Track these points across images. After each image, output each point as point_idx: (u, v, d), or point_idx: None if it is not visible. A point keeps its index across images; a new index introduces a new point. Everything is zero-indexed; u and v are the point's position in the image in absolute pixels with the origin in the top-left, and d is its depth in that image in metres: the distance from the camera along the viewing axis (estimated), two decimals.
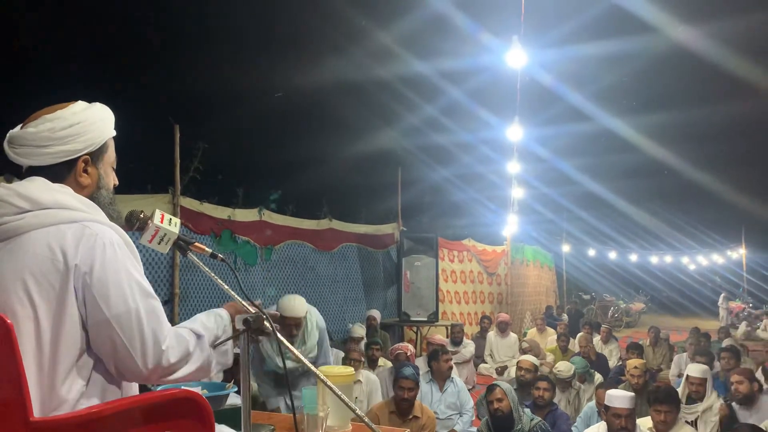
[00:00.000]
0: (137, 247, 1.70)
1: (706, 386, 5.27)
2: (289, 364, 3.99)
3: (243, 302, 1.67)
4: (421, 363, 6.73)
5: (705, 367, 5.65)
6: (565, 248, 20.47)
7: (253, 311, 1.62)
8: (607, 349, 9.73)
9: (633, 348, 7.76)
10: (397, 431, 2.22)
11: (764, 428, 4.45)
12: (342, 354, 6.38)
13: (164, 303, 5.56)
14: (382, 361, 6.88)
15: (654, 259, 28.72)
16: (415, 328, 9.93)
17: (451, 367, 5.92)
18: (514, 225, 13.47)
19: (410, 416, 4.74)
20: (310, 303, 8.40)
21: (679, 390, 5.20)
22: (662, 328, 11.35)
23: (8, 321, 1.40)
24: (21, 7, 8.65)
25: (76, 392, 1.51)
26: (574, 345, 9.10)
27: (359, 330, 7.98)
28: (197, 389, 2.29)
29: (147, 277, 1.65)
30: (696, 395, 5.27)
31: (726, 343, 8.92)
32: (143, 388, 1.83)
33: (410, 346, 6.88)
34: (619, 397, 4.10)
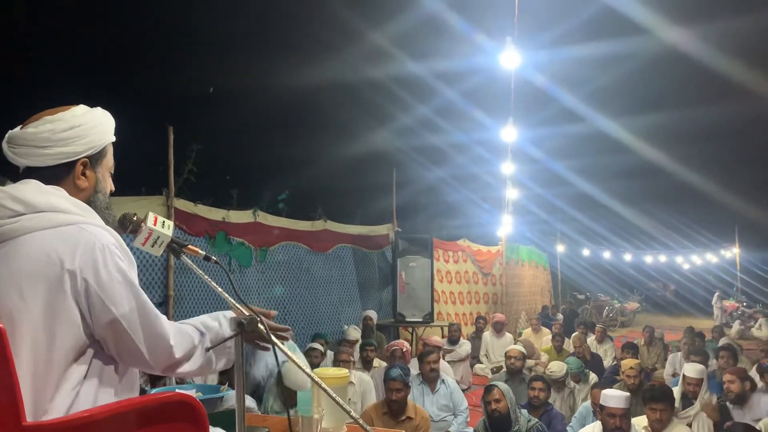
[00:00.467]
0: (131, 250, 1.70)
1: (702, 386, 5.32)
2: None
3: (236, 305, 1.67)
4: (415, 363, 6.74)
5: (701, 367, 5.72)
6: (560, 248, 20.52)
7: (247, 314, 1.61)
8: (602, 349, 9.75)
9: (628, 347, 7.78)
10: None
11: (758, 427, 4.48)
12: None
13: (158, 305, 5.53)
14: (377, 362, 6.89)
15: (648, 259, 28.83)
16: (410, 329, 9.93)
17: (433, 369, 5.88)
18: (509, 225, 13.49)
19: (403, 417, 4.74)
20: (305, 304, 8.47)
21: (676, 390, 5.22)
22: (657, 328, 11.40)
23: (0, 325, 1.40)
24: (17, 9, 8.62)
25: (70, 396, 1.51)
26: (569, 345, 9.12)
27: (354, 333, 7.98)
28: (192, 392, 2.29)
29: (141, 280, 1.66)
30: (692, 395, 5.31)
31: (723, 342, 8.96)
32: (141, 392, 1.82)
33: (406, 343, 6.88)
34: (614, 396, 4.11)
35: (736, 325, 16.76)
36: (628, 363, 5.94)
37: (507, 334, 10.05)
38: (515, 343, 9.47)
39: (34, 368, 1.47)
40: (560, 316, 14.65)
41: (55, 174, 1.66)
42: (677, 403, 4.93)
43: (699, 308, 24.19)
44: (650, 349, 9.76)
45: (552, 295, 19.23)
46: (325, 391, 1.58)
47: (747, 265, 23.99)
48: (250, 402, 4.09)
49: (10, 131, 1.69)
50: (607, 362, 9.05)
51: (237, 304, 1.67)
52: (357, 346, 7.47)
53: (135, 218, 1.75)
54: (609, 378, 7.00)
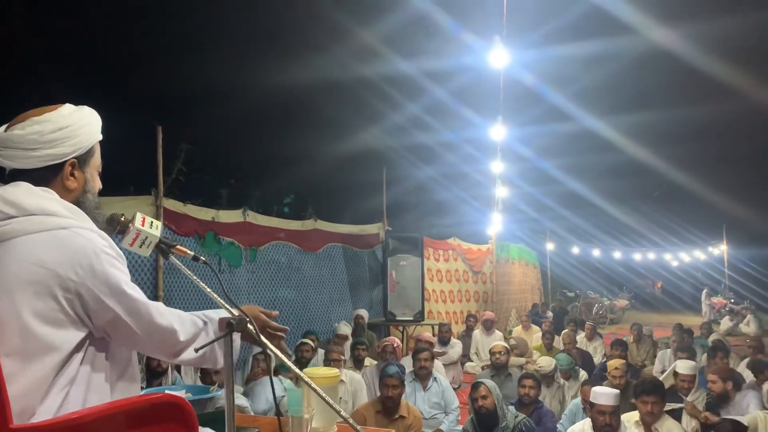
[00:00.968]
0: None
1: (694, 382, 5.38)
2: None
3: (225, 305, 1.67)
4: (407, 361, 6.75)
5: (693, 363, 5.81)
6: (550, 246, 20.61)
7: (236, 313, 1.61)
8: (592, 346, 9.81)
9: (617, 344, 7.81)
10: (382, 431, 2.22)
11: (745, 423, 4.53)
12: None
13: None
14: (368, 360, 6.89)
15: (637, 256, 29.00)
16: (401, 328, 9.94)
17: (424, 367, 5.89)
18: (499, 224, 13.53)
19: (396, 416, 4.75)
20: (295, 304, 8.45)
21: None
22: (646, 325, 11.47)
23: None
24: (4, 8, 8.56)
25: (59, 398, 1.50)
26: (559, 342, 9.16)
27: (345, 328, 7.98)
28: (181, 393, 2.28)
29: (131, 280, 1.64)
30: (685, 391, 5.36)
31: (713, 338, 9.03)
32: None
33: (397, 339, 6.89)
34: (603, 394, 4.13)
35: (726, 321, 16.89)
36: (613, 363, 5.97)
37: (497, 331, 10.07)
38: (506, 341, 9.54)
39: (22, 371, 1.47)
40: (550, 314, 14.72)
41: (44, 176, 1.64)
42: None
43: (688, 305, 24.37)
44: (639, 346, 9.83)
45: (542, 293, 19.31)
46: (315, 391, 1.58)
47: (734, 262, 24.18)
48: (241, 401, 4.08)
49: None
50: (597, 359, 9.10)
51: (226, 305, 1.67)
52: (348, 345, 7.47)
53: (122, 219, 1.73)
54: (599, 375, 7.04)
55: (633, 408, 5.04)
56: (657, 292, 30.69)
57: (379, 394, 5.07)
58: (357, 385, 5.83)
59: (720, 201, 20.16)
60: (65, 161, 1.66)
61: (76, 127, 1.66)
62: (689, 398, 5.36)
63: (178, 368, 5.85)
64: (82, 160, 1.70)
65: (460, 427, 5.39)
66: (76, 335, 1.54)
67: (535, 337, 10.35)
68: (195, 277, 1.71)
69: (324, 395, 1.56)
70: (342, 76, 11.65)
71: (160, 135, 6.34)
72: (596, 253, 26.69)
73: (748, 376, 6.62)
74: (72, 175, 1.68)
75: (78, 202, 1.67)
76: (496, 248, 14.06)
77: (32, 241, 1.53)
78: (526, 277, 17.61)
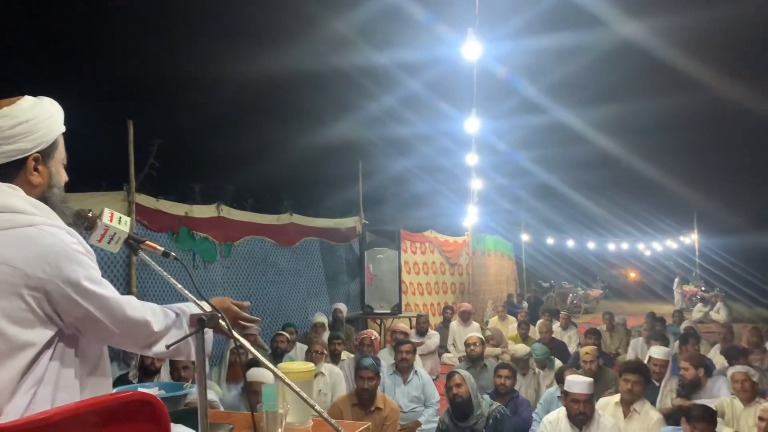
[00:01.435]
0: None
1: (667, 367, 5.49)
2: None
3: (196, 301, 1.65)
4: (385, 354, 6.77)
5: (667, 349, 6.00)
6: (525, 237, 20.80)
7: (208, 309, 1.60)
8: (567, 335, 9.93)
9: (590, 333, 7.93)
10: (358, 425, 2.22)
11: (714, 407, 4.63)
12: (306, 347, 6.36)
13: None
14: (345, 354, 6.89)
15: (611, 247, 29.40)
16: (378, 321, 9.96)
17: (406, 360, 5.91)
18: (475, 215, 13.61)
19: (372, 408, 4.76)
20: (272, 299, 8.41)
21: None
22: (620, 313, 11.64)
23: None
24: None
25: (26, 397, 1.48)
26: (535, 332, 9.26)
27: (321, 317, 7.96)
28: (154, 390, 2.26)
29: (103, 277, 1.62)
30: (658, 376, 5.48)
31: (684, 326, 9.20)
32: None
33: (374, 332, 6.90)
34: (577, 382, 4.19)
35: (698, 309, 17.21)
36: (585, 350, 6.12)
37: (474, 323, 10.14)
38: (482, 332, 9.62)
39: None
40: (525, 304, 14.87)
41: (6, 172, 1.59)
42: None
43: (660, 294, 24.79)
44: (612, 334, 9.99)
45: (517, 284, 19.49)
46: (288, 385, 1.57)
47: (705, 251, 24.64)
48: (212, 395, 4.05)
49: None
50: (572, 348, 9.20)
51: (197, 301, 1.65)
52: (325, 336, 7.47)
53: (90, 214, 1.70)
54: (573, 363, 7.14)
55: (609, 393, 5.17)
56: (631, 281, 31.16)
57: (355, 386, 5.08)
58: (336, 377, 5.84)
59: (691, 191, 20.60)
60: (28, 156, 1.62)
61: (37, 120, 1.62)
62: (663, 384, 5.49)
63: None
64: (45, 154, 1.66)
65: (437, 418, 5.42)
66: (45, 334, 1.52)
67: (511, 327, 10.44)
68: (165, 273, 1.69)
69: (297, 389, 1.55)
70: (316, 67, 11.60)
71: (131, 129, 6.26)
72: (570, 243, 27.00)
73: (719, 362, 6.77)
74: (36, 170, 1.64)
75: (44, 198, 1.64)
76: (472, 240, 14.14)
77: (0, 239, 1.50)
78: (501, 269, 17.75)
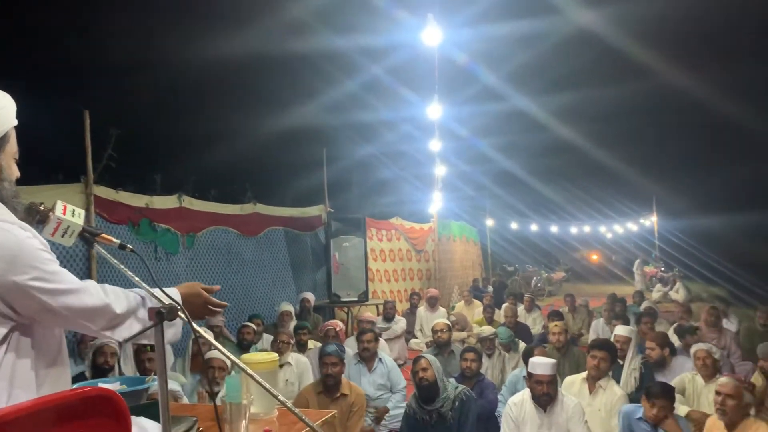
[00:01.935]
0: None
1: (629, 344, 5.64)
2: None
3: (154, 294, 1.62)
4: (351, 343, 6.78)
5: (631, 327, 6.15)
6: (489, 223, 21.02)
7: (167, 302, 1.57)
8: (531, 318, 10.11)
9: (553, 315, 8.10)
10: (324, 413, 2.23)
11: (674, 384, 4.78)
12: (272, 338, 6.33)
13: None
14: (311, 343, 6.88)
15: (573, 230, 29.92)
16: (346, 309, 9.97)
17: (368, 348, 5.95)
18: (439, 202, 13.69)
19: (338, 394, 4.79)
20: (237, 289, 8.34)
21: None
22: (582, 295, 11.88)
23: None
24: None
25: None
26: (500, 316, 9.39)
27: (287, 306, 7.91)
28: (116, 384, 2.23)
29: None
30: (621, 353, 5.64)
31: (644, 306, 9.43)
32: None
33: (339, 323, 6.91)
34: (540, 364, 4.27)
35: (659, 288, 17.65)
36: (554, 323, 6.31)
37: (440, 308, 10.23)
38: (448, 317, 9.71)
39: None
40: (490, 289, 15.06)
41: None
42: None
43: (621, 275, 25.35)
44: (575, 315, 10.20)
45: (483, 269, 19.70)
46: (250, 376, 1.56)
47: (664, 233, 25.27)
48: (174, 386, 4.00)
49: None
50: (536, 330, 9.38)
51: (154, 294, 1.63)
52: (292, 326, 7.45)
53: (42, 208, 1.66)
54: (540, 341, 7.28)
55: (575, 372, 5.30)
56: (593, 263, 31.80)
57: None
58: (303, 367, 5.84)
59: (649, 174, 21.12)
60: None
61: None
62: (626, 362, 5.64)
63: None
64: None
65: (404, 404, 5.47)
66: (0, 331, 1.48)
67: (476, 311, 10.56)
68: (122, 267, 1.66)
69: (259, 380, 1.55)
70: (276, 52, 11.43)
71: (87, 120, 6.13)
72: (534, 228, 27.41)
73: (674, 341, 6.97)
74: None
75: None
76: (437, 226, 14.23)
77: None
78: (467, 254, 17.91)
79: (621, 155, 19.72)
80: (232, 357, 1.64)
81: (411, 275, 13.06)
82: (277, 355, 2.46)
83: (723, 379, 3.96)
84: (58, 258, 1.61)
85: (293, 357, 5.88)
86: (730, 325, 8.32)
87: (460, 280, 16.19)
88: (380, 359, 6.02)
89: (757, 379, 5.09)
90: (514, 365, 6.54)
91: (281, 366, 5.68)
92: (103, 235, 1.75)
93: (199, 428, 1.94)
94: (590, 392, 4.86)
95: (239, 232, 8.40)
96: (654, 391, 4.16)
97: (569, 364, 5.90)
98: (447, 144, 13.15)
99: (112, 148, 6.50)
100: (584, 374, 5.00)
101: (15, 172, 1.69)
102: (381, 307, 9.56)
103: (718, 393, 3.88)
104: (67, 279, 1.59)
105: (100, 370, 4.53)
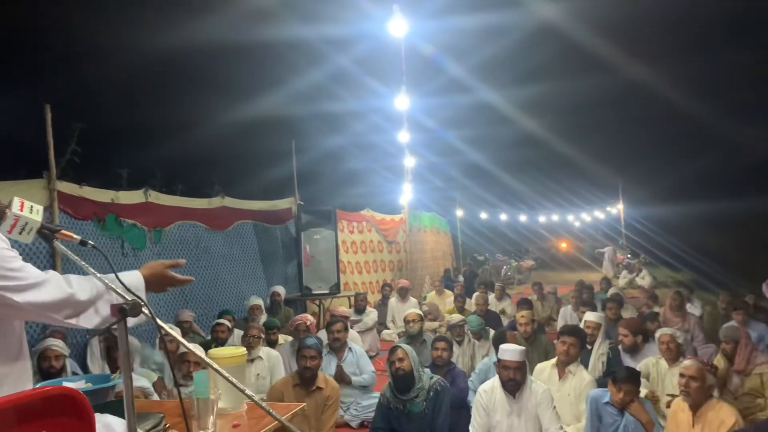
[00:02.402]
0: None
1: (599, 329, 5.77)
2: None
3: (118, 291, 1.60)
4: (322, 335, 6.78)
5: (600, 314, 6.32)
6: (459, 213, 21.15)
7: (130, 298, 1.55)
8: (501, 306, 10.22)
9: (522, 303, 8.17)
10: (292, 406, 2.23)
11: (639, 368, 4.89)
12: (242, 333, 6.30)
13: None
14: (282, 338, 6.87)
15: (542, 219, 30.31)
16: (317, 302, 9.95)
17: (338, 339, 5.99)
18: (410, 193, 13.73)
19: (314, 387, 4.79)
20: (206, 285, 8.25)
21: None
22: (551, 283, 12.05)
23: None
24: None
25: None
26: (471, 304, 9.47)
27: (257, 300, 7.86)
28: (81, 383, 2.19)
29: None
30: (591, 338, 5.74)
31: (611, 292, 9.61)
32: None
33: (310, 317, 6.90)
34: (508, 350, 4.32)
35: (625, 274, 17.97)
36: (520, 314, 6.38)
37: (412, 298, 10.29)
38: (420, 307, 9.77)
39: None
40: (461, 278, 15.17)
41: None
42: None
43: (589, 263, 25.76)
44: (543, 303, 10.35)
45: (454, 259, 19.84)
46: (217, 371, 1.55)
47: (630, 221, 25.72)
48: (144, 382, 3.96)
49: None
50: (507, 318, 9.49)
51: (118, 290, 1.60)
52: (262, 319, 7.41)
53: None
54: (510, 327, 7.37)
55: (544, 360, 5.38)
56: (561, 251, 32.26)
57: (295, 368, 5.09)
58: (274, 360, 5.83)
59: (615, 164, 21.50)
60: None
61: None
62: (594, 348, 5.75)
63: (83, 359, 5.63)
64: None
65: (376, 394, 5.49)
66: None
67: (448, 301, 10.65)
68: (83, 263, 1.64)
69: (226, 375, 1.54)
70: (240, 39, 11.22)
71: (48, 114, 5.99)
72: (503, 217, 27.67)
73: None
74: None
75: None
76: (408, 218, 14.27)
77: None
78: (438, 245, 18.01)
79: (587, 146, 20.04)
80: (199, 353, 1.63)
81: (382, 266, 13.09)
82: (245, 349, 2.45)
83: (687, 362, 4.06)
84: (21, 253, 1.59)
85: (264, 351, 5.87)
86: (693, 309, 8.53)
87: (431, 270, 16.28)
88: (350, 348, 6.07)
89: (719, 361, 5.24)
90: (484, 353, 6.61)
91: (252, 360, 5.67)
92: (62, 231, 1.72)
93: (166, 424, 1.92)
94: (560, 377, 4.95)
95: (208, 226, 8.31)
96: (620, 376, 4.25)
97: (537, 353, 5.98)
98: (416, 135, 13.18)
99: (75, 142, 6.37)
100: (554, 360, 5.09)
101: None
102: (353, 299, 9.58)
103: (682, 375, 3.97)
104: (31, 274, 1.58)
105: (47, 375, 4.39)
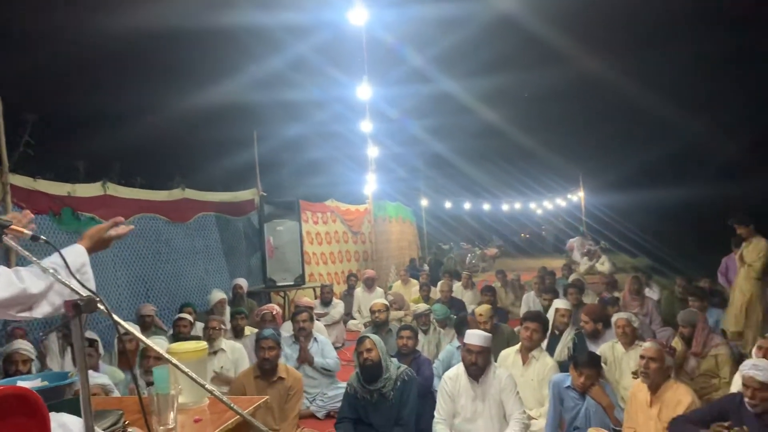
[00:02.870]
0: None
1: (571, 317, 5.90)
2: None
3: (71, 287, 1.56)
4: (288, 327, 6.75)
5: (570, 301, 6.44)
6: (424, 203, 21.23)
7: (84, 294, 1.51)
8: (467, 294, 10.33)
9: (486, 290, 8.27)
10: (255, 399, 2.21)
11: (600, 352, 5.00)
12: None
13: None
14: (248, 330, 6.82)
15: (505, 207, 30.62)
16: (282, 293, 9.89)
17: (303, 328, 6.00)
18: (374, 183, 13.72)
19: (275, 378, 4.77)
20: (168, 278, 8.12)
21: None
22: (514, 270, 12.21)
23: None
24: None
25: None
26: (436, 293, 9.55)
27: (219, 293, 7.75)
28: (36, 381, 2.14)
29: None
30: (562, 326, 5.85)
31: (572, 278, 9.79)
32: None
33: (276, 306, 6.88)
34: (473, 335, 4.38)
35: (585, 261, 18.28)
36: (479, 311, 6.33)
37: (378, 288, 10.31)
38: (386, 296, 9.81)
39: None
40: (426, 267, 15.26)
41: None
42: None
43: (549, 250, 26.20)
44: (507, 290, 10.48)
45: (419, 248, 19.92)
46: (176, 366, 1.53)
47: (590, 208, 26.15)
48: (105, 379, 3.89)
49: None
50: (471, 307, 9.59)
51: (71, 286, 1.56)
52: (227, 314, 7.34)
53: None
54: (471, 312, 7.44)
55: (507, 346, 5.46)
56: (524, 239, 32.70)
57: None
58: (238, 353, 5.79)
59: (575, 153, 21.85)
60: None
61: None
62: (564, 333, 5.86)
63: (42, 358, 5.48)
64: None
65: (342, 384, 5.51)
66: None
67: (414, 290, 10.70)
68: (35, 259, 1.59)
69: (185, 369, 1.52)
70: (198, 24, 10.93)
71: None
72: (467, 206, 27.87)
73: None
74: None
75: None
76: (373, 208, 14.27)
77: None
78: (403, 234, 18.06)
79: (548, 136, 20.36)
80: (159, 349, 1.60)
81: (348, 257, 13.07)
82: (205, 343, 2.42)
83: (646, 344, 4.16)
84: None
85: (227, 344, 5.83)
86: (651, 293, 8.76)
87: (397, 260, 16.33)
88: (315, 338, 6.08)
89: (677, 343, 5.39)
90: (450, 341, 6.67)
91: (214, 353, 5.61)
92: (12, 226, 1.66)
93: (125, 421, 1.89)
94: (524, 363, 5.04)
95: (168, 218, 8.17)
96: (581, 360, 4.34)
97: (498, 342, 6.05)
98: (379, 125, 13.16)
99: (28, 134, 6.18)
100: (518, 346, 5.18)
101: None
102: (318, 291, 9.54)
103: (642, 357, 4.07)
104: None
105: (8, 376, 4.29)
